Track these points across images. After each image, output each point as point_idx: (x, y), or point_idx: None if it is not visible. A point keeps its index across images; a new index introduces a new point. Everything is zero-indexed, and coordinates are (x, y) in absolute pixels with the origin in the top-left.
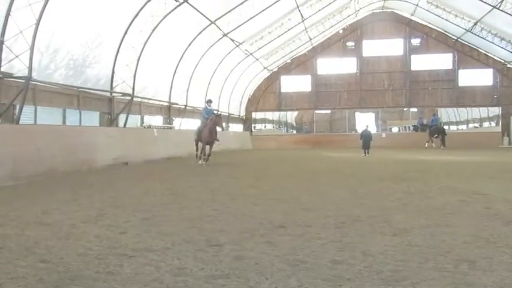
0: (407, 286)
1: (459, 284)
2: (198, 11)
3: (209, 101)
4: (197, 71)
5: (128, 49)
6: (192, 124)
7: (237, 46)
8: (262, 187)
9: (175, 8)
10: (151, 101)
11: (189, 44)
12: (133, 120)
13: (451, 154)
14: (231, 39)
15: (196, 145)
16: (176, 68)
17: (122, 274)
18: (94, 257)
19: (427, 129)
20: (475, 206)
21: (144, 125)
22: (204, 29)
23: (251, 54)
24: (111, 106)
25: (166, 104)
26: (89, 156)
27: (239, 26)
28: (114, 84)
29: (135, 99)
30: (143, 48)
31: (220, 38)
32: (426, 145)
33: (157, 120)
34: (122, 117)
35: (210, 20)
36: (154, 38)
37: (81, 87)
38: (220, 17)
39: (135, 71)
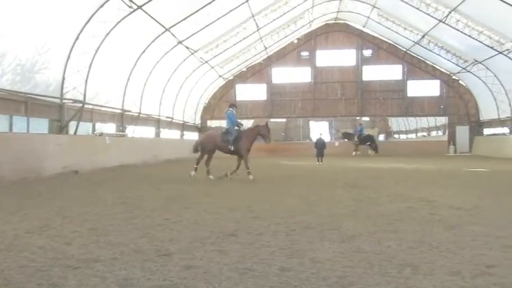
0: None
1: None
2: (153, 18)
3: (234, 106)
4: (151, 78)
5: (79, 55)
6: (146, 132)
7: (192, 54)
8: (215, 195)
9: (128, 14)
10: (103, 108)
11: (143, 51)
12: (85, 127)
13: (400, 162)
14: (186, 47)
15: (207, 153)
16: (130, 74)
17: (65, 286)
18: (37, 269)
19: (354, 138)
20: (421, 213)
21: (95, 132)
22: (159, 36)
23: (206, 62)
24: (61, 113)
25: (119, 111)
26: (37, 164)
27: (194, 33)
28: (64, 91)
29: (86, 106)
30: (95, 54)
31: (175, 46)
32: (354, 153)
33: (109, 128)
34: (72, 125)
35: (164, 27)
36: (107, 44)
37: (29, 94)
38: (175, 24)
39: (87, 77)
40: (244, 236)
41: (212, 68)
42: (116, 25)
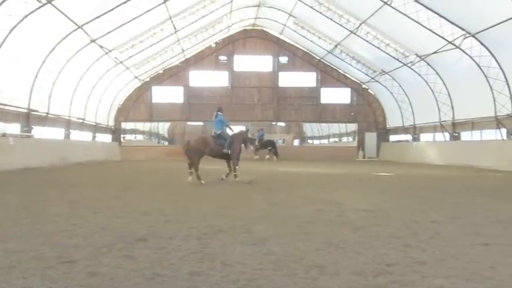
0: None
1: None
2: (64, 14)
3: (222, 109)
4: (62, 77)
5: None
6: (55, 133)
7: (106, 53)
8: (126, 199)
9: (37, 8)
10: (6, 107)
11: (53, 48)
12: None
13: (313, 166)
14: (100, 46)
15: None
16: (37, 72)
17: None
18: None
19: (255, 143)
20: (330, 215)
21: None
22: (70, 33)
23: (121, 62)
24: None
25: (24, 110)
26: None
27: (109, 32)
28: None
29: None
30: None
31: (88, 44)
32: (255, 157)
33: (14, 128)
34: None
35: (76, 24)
36: (12, 39)
37: None
38: (88, 22)
39: None
40: (154, 240)
41: (127, 68)
42: (22, 20)
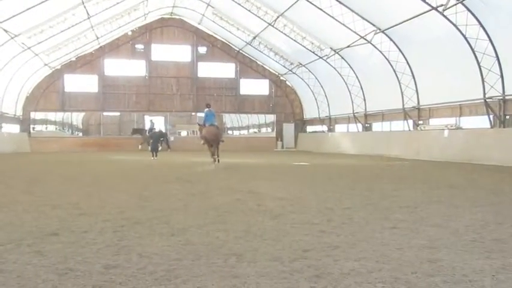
0: (178, 284)
1: (226, 277)
2: None
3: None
4: None
5: None
6: None
7: (12, 38)
8: (36, 193)
9: None
10: None
11: None
12: None
13: (233, 157)
14: (5, 30)
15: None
16: None
17: None
18: None
19: (145, 134)
20: (249, 204)
21: None
22: None
23: (29, 48)
24: None
25: None
26: None
27: (15, 15)
28: None
29: None
30: None
31: None
32: (140, 147)
33: None
34: None
35: None
36: None
37: None
38: None
39: None
40: (67, 234)
41: (36, 55)
42: None
